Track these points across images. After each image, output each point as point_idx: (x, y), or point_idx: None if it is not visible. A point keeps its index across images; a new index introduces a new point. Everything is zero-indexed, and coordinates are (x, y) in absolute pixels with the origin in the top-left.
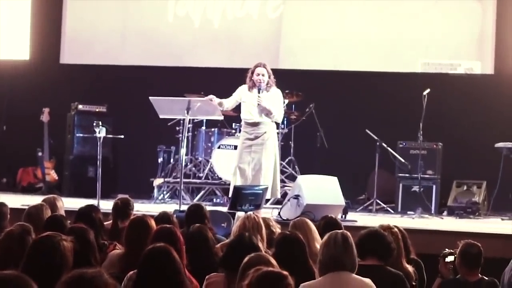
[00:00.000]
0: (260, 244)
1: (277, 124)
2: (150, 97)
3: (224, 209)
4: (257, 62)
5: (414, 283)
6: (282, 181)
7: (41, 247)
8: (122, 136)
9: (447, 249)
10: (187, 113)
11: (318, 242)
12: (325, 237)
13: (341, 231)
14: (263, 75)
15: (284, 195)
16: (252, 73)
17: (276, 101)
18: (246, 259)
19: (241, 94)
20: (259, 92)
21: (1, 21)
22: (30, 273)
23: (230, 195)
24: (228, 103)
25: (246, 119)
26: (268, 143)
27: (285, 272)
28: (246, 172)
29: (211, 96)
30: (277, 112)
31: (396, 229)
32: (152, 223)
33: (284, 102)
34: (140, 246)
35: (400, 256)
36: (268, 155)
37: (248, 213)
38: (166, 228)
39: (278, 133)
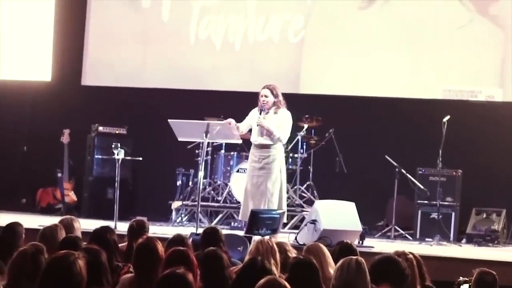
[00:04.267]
0: (273, 268)
1: (287, 150)
2: (169, 120)
3: (241, 233)
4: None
5: None
6: (300, 205)
7: (57, 266)
8: (141, 158)
9: (462, 277)
10: (206, 136)
11: (332, 267)
12: (339, 262)
13: (355, 257)
14: (266, 96)
15: (302, 219)
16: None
17: (281, 121)
18: (259, 282)
19: (253, 117)
20: (260, 113)
21: (24, 42)
22: None
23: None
24: (242, 127)
25: (253, 142)
26: (273, 166)
27: None
28: (252, 196)
29: (229, 120)
30: (280, 131)
31: (411, 256)
32: (159, 245)
33: (303, 127)
34: (150, 269)
35: (415, 283)
36: (272, 178)
37: (263, 237)
38: (179, 250)
39: (286, 156)
